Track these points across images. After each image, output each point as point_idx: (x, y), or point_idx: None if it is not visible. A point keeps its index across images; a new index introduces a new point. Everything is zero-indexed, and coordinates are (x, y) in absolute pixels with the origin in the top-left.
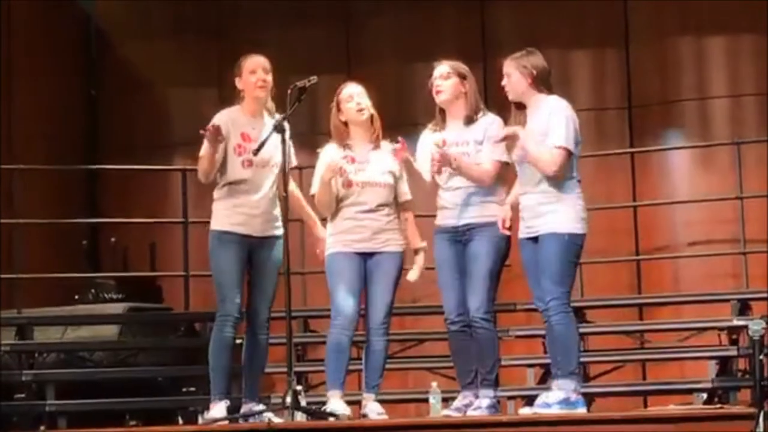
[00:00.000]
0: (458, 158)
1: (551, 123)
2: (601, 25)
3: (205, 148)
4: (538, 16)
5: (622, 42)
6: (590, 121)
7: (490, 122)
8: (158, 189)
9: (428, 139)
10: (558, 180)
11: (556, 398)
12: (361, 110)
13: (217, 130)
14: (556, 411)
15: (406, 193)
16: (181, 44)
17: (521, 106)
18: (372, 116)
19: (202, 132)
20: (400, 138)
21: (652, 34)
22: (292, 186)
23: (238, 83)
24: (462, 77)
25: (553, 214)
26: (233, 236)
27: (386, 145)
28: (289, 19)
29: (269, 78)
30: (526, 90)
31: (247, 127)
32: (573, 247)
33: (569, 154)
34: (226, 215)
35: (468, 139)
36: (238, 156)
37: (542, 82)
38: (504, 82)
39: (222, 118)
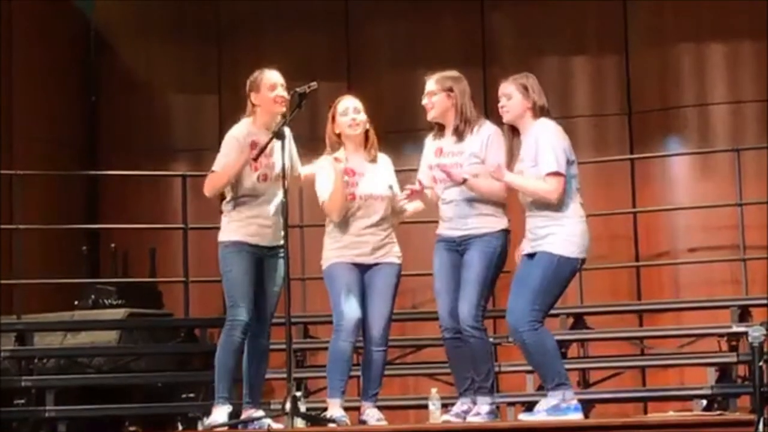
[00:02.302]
0: (469, 178)
1: (538, 150)
2: (601, 31)
3: (233, 163)
4: (538, 22)
5: (622, 48)
6: (590, 127)
7: (488, 135)
8: (158, 194)
9: (428, 148)
10: (557, 204)
11: (546, 405)
12: (354, 125)
13: (255, 145)
14: (543, 417)
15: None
16: (180, 48)
17: (516, 131)
18: (367, 131)
19: (252, 155)
20: (418, 182)
21: (652, 41)
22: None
23: (254, 98)
24: (448, 90)
25: (552, 236)
26: (246, 246)
27: (382, 158)
28: (288, 24)
29: (286, 94)
30: (523, 113)
31: (262, 140)
32: (562, 270)
33: (563, 176)
34: (240, 226)
35: (463, 150)
36: (254, 171)
37: (539, 108)
38: (502, 104)
39: (240, 132)
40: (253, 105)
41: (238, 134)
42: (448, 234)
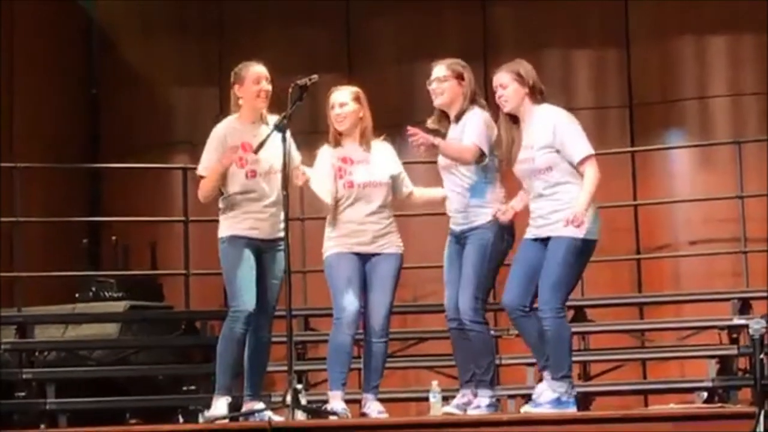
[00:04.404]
0: (439, 140)
1: (561, 138)
2: (602, 24)
3: (213, 170)
4: (539, 15)
5: (623, 41)
6: (591, 120)
7: (470, 116)
8: (159, 187)
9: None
10: (572, 186)
11: (548, 398)
12: (339, 121)
13: (235, 150)
14: (546, 410)
15: (408, 185)
16: (182, 43)
17: (515, 119)
18: (361, 118)
19: (227, 159)
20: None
21: (652, 34)
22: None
23: (238, 91)
24: (460, 77)
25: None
26: (244, 239)
27: (377, 144)
28: (290, 19)
29: (270, 88)
30: (522, 101)
31: (248, 135)
32: (582, 252)
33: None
34: (235, 222)
35: (453, 137)
36: (241, 168)
37: (538, 92)
38: (499, 94)
39: (222, 130)
40: (237, 98)
41: (220, 133)
42: (452, 228)
